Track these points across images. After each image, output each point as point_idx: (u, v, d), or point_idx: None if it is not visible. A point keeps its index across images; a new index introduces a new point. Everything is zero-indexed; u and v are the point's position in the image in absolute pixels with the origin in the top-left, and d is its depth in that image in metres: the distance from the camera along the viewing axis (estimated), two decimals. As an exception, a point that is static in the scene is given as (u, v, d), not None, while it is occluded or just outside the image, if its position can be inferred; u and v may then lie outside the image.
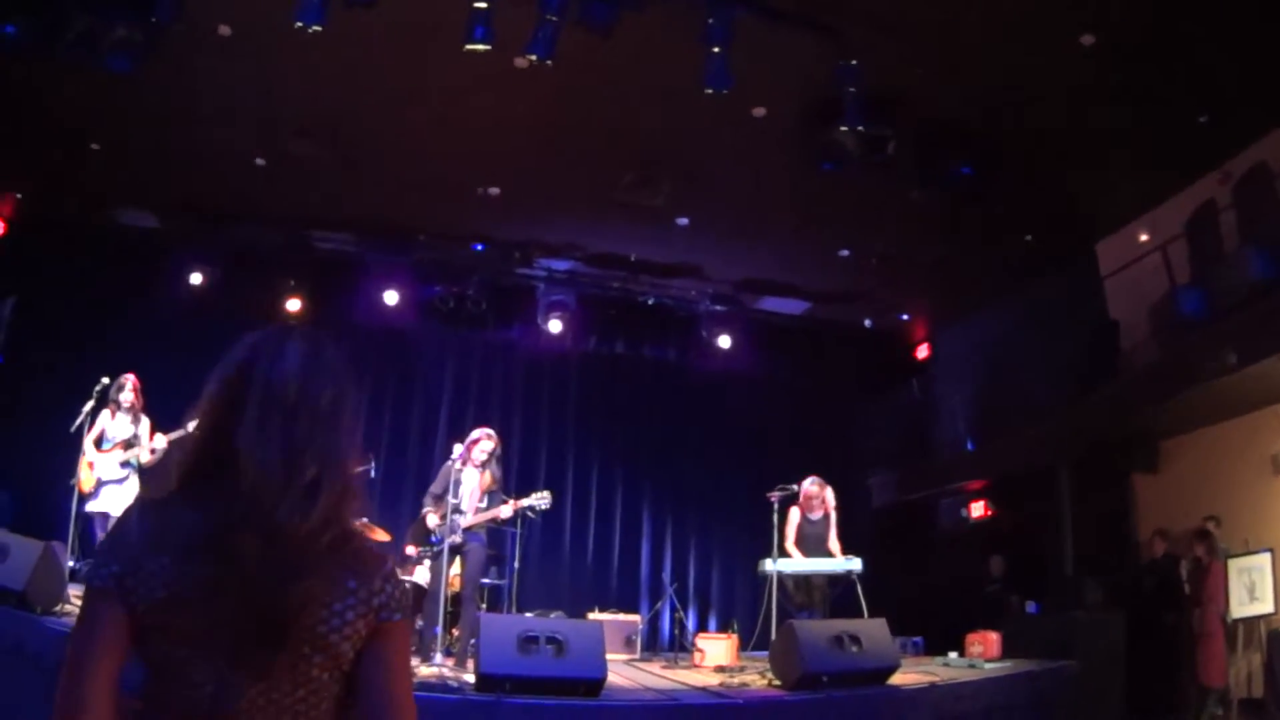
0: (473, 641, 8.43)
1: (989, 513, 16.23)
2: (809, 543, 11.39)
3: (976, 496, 16.47)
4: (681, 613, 14.16)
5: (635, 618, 13.57)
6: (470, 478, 9.78)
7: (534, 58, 9.28)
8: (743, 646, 12.25)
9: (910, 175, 11.52)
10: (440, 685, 7.45)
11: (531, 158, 12.47)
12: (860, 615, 10.31)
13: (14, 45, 9.47)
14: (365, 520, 8.35)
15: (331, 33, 9.00)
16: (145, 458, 10.36)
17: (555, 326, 15.84)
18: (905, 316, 17.83)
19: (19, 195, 13.86)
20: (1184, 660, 11.27)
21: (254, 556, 1.86)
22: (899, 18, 9.49)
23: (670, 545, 17.02)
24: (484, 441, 9.89)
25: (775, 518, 11.25)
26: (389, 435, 15.73)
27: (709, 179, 12.80)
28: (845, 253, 14.92)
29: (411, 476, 15.06)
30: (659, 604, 15.69)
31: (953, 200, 12.09)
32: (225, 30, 10.08)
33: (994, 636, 11.33)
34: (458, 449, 9.99)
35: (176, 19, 9.47)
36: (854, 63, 9.79)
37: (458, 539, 9.48)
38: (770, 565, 11.08)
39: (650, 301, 16.77)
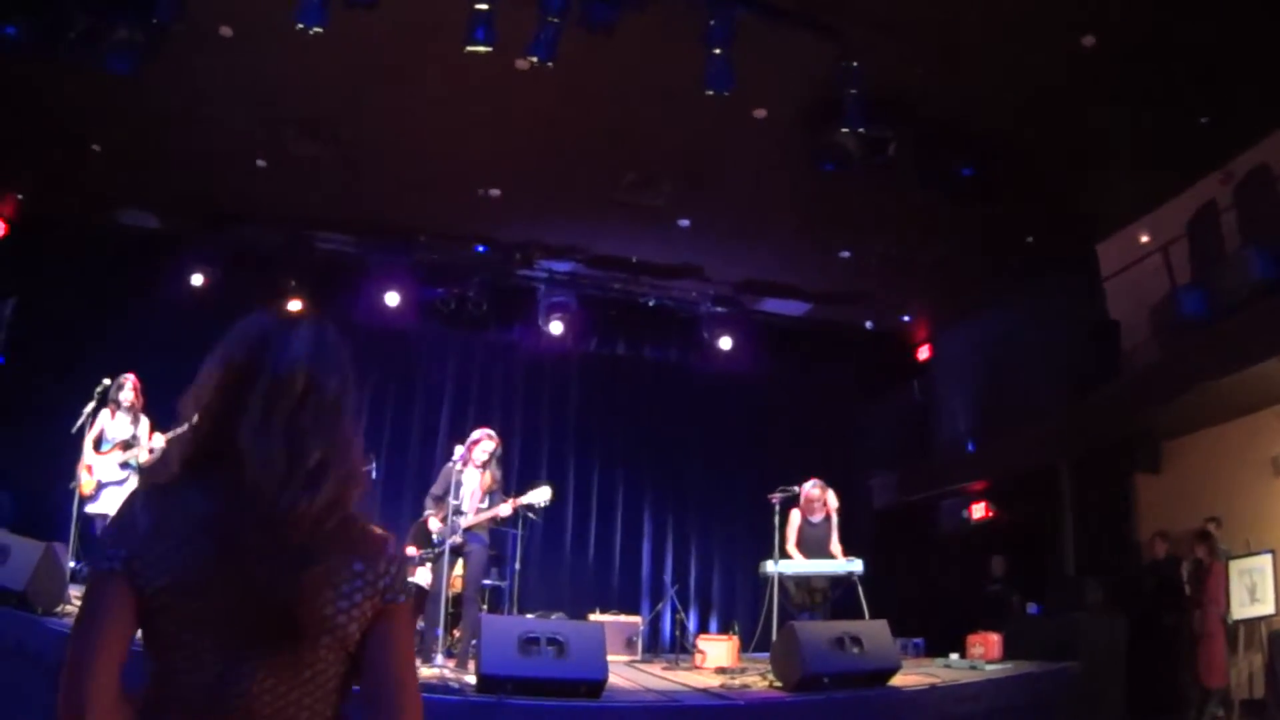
0: (474, 642, 8.44)
1: (990, 514, 16.22)
2: (810, 545, 11.38)
3: (977, 497, 16.46)
4: (682, 614, 14.16)
5: (636, 619, 13.59)
6: (471, 478, 9.78)
7: (535, 59, 9.29)
8: (744, 648, 12.26)
9: (911, 176, 11.51)
10: (441, 686, 7.44)
11: (532, 159, 12.47)
12: (861, 616, 10.29)
13: (15, 46, 9.47)
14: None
15: (332, 34, 9.01)
16: (144, 457, 10.35)
17: (556, 328, 15.83)
18: (906, 318, 17.82)
19: (20, 195, 13.85)
20: (1185, 661, 11.27)
21: (258, 543, 1.88)
22: (900, 18, 9.49)
23: (671, 546, 17.03)
24: (485, 442, 9.89)
25: (776, 519, 11.24)
26: (390, 436, 15.73)
27: (710, 180, 12.80)
28: (846, 254, 14.91)
29: (412, 477, 15.09)
30: (660, 605, 15.69)
31: (954, 201, 12.07)
32: (226, 31, 10.08)
33: (995, 638, 11.33)
34: (459, 450, 9.99)
35: (177, 19, 9.47)
36: (855, 64, 9.79)
37: (458, 539, 9.48)
38: (771, 567, 11.07)
39: (651, 303, 16.76)
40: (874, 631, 8.64)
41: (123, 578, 1.85)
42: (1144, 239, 13.20)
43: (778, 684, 8.56)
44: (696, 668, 11.47)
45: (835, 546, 11.35)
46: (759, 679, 9.10)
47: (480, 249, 15.58)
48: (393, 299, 15.14)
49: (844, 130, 10.34)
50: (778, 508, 11.30)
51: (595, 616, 12.91)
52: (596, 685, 7.39)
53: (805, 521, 11.48)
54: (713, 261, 15.69)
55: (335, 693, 1.99)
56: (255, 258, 14.74)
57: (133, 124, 11.79)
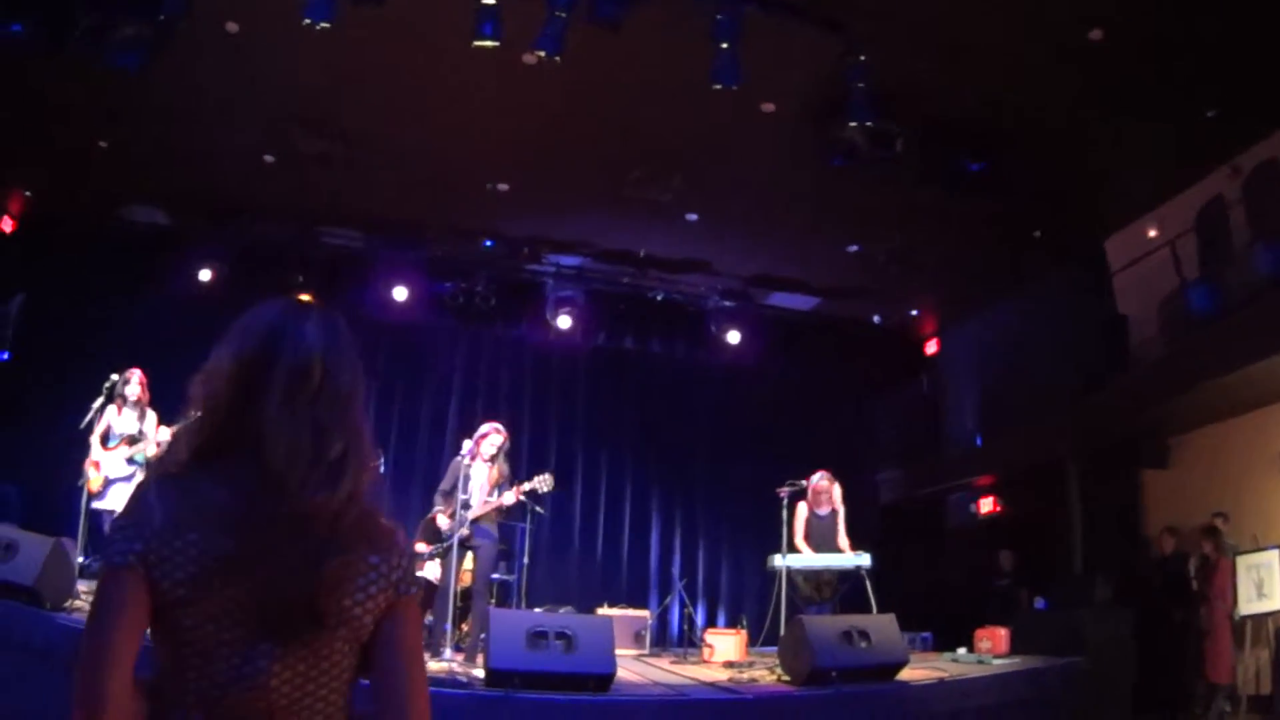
0: (482, 636, 8.46)
1: (998, 508, 16.22)
2: (817, 537, 11.36)
3: (986, 492, 16.46)
4: (690, 608, 14.20)
5: (644, 613, 13.60)
6: (479, 473, 9.78)
7: (542, 54, 9.31)
8: (752, 642, 12.25)
9: (919, 171, 11.50)
10: (450, 680, 7.45)
11: (540, 154, 12.48)
12: (869, 611, 10.31)
13: (22, 43, 9.48)
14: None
15: (340, 29, 9.01)
16: (151, 451, 10.35)
17: (564, 322, 15.85)
18: (914, 312, 17.81)
19: (27, 192, 13.88)
20: (1192, 657, 11.26)
21: (288, 534, 1.88)
22: (907, 12, 9.48)
23: (679, 541, 17.06)
24: (492, 436, 9.89)
25: (784, 513, 11.24)
26: (398, 431, 15.76)
27: (718, 175, 12.80)
28: (854, 248, 14.89)
29: (420, 471, 15.13)
30: (668, 599, 15.67)
31: (961, 196, 12.06)
32: (233, 27, 10.09)
33: (1003, 632, 11.33)
34: (467, 445, 9.99)
35: (184, 16, 9.48)
36: (862, 58, 9.78)
37: (465, 532, 9.49)
38: (779, 561, 11.06)
39: (659, 297, 16.78)
40: (882, 626, 8.63)
41: (138, 572, 1.84)
42: (1152, 233, 13.18)
43: (786, 678, 8.56)
44: (704, 662, 11.49)
45: (843, 540, 11.32)
46: (767, 673, 9.11)
47: (488, 243, 15.60)
48: (401, 294, 15.17)
49: (852, 125, 10.33)
50: (785, 502, 11.29)
51: (603, 611, 12.91)
52: (605, 679, 7.40)
53: (812, 514, 11.46)
54: (720, 256, 15.69)
55: (347, 685, 2.00)
56: (263, 253, 14.79)
57: (140, 120, 11.81)
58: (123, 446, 10.33)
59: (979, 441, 16.40)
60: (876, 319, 17.99)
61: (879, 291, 16.51)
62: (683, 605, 14.48)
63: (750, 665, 10.29)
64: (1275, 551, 10.71)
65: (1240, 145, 11.35)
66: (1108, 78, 10.20)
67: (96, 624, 1.83)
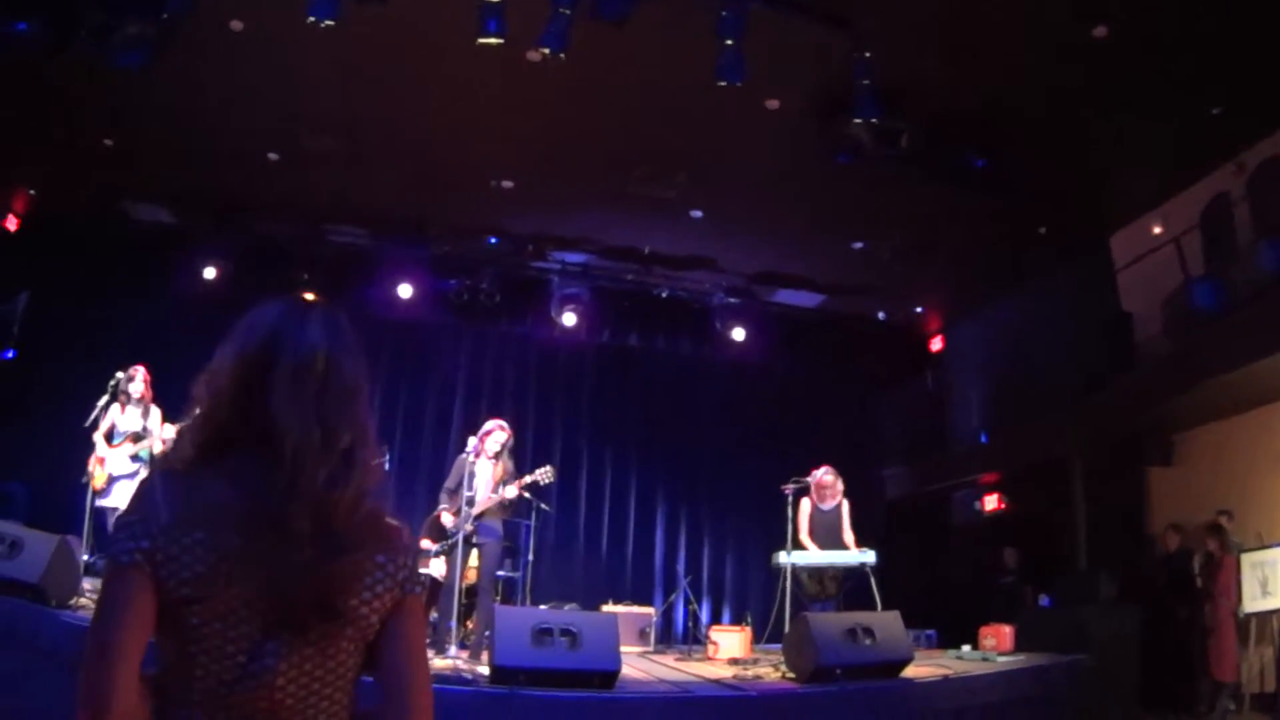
0: (487, 634, 8.47)
1: (1003, 505, 16.20)
2: (822, 532, 11.34)
3: (990, 489, 16.44)
4: (695, 605, 14.19)
5: (649, 610, 13.58)
6: (484, 470, 9.81)
7: (547, 51, 9.30)
8: (756, 639, 12.24)
9: (924, 168, 11.50)
10: (455, 677, 7.46)
11: (545, 151, 12.48)
12: (874, 608, 10.31)
13: (26, 41, 9.48)
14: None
15: (344, 27, 9.02)
16: (157, 448, 10.37)
17: (569, 319, 15.87)
18: (919, 309, 17.80)
19: (32, 191, 13.90)
20: (1196, 655, 11.26)
21: (295, 531, 1.88)
22: (912, 9, 9.47)
23: (684, 538, 17.07)
24: (497, 433, 9.92)
25: (789, 510, 11.24)
26: (403, 428, 15.80)
27: (723, 172, 12.80)
28: (859, 245, 14.88)
29: (425, 469, 15.15)
30: (673, 596, 15.68)
31: (966, 193, 12.05)
32: (237, 25, 10.10)
33: (1007, 629, 11.34)
34: (472, 442, 10.00)
35: (189, 14, 9.48)
36: (867, 55, 9.77)
37: (470, 528, 9.50)
38: (784, 558, 11.06)
39: (664, 294, 16.77)
40: (886, 623, 8.64)
41: (144, 570, 1.82)
42: (1156, 230, 13.16)
43: (790, 675, 8.57)
44: (709, 659, 11.47)
45: (848, 536, 11.31)
46: (772, 670, 9.11)
47: (493, 241, 15.60)
48: (406, 291, 15.20)
49: (857, 121, 10.34)
50: (790, 499, 11.27)
51: (608, 608, 12.90)
52: (610, 676, 7.40)
53: (816, 509, 11.44)
54: (725, 253, 15.69)
55: (352, 683, 2.01)
56: (267, 251, 14.81)
57: (144, 118, 11.82)
58: (127, 443, 10.36)
59: (984, 438, 16.40)
60: (881, 316, 17.98)
61: (884, 288, 16.51)
62: (687, 602, 14.47)
63: (755, 662, 10.29)
64: (1280, 549, 10.72)
65: (1245, 142, 11.33)
66: (1112, 74, 10.18)
67: (102, 622, 1.82)
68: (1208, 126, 11.05)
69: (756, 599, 15.76)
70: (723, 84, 9.47)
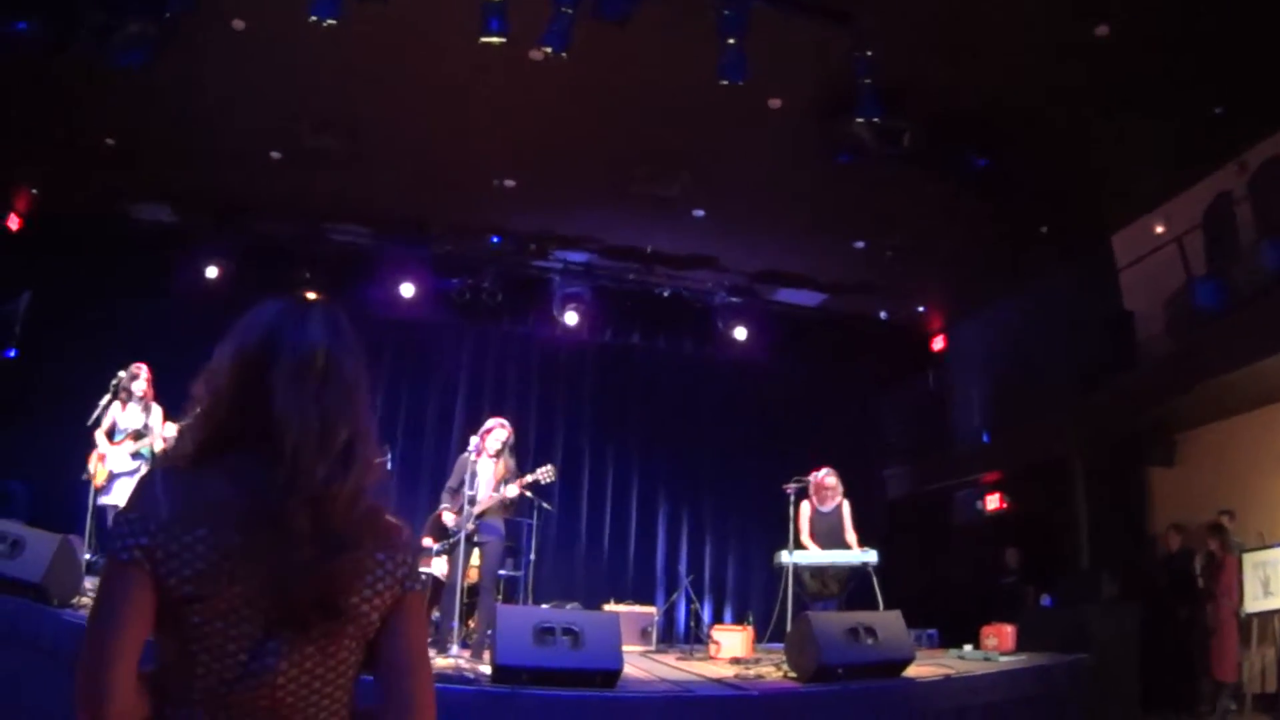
0: (489, 633, 8.46)
1: (1004, 505, 16.20)
2: (823, 533, 11.35)
3: (992, 489, 16.45)
4: (697, 604, 14.18)
5: (651, 609, 13.56)
6: (486, 468, 9.81)
7: (548, 50, 9.30)
8: (758, 638, 12.23)
9: (925, 167, 11.50)
10: (457, 676, 7.45)
11: (547, 150, 12.47)
12: (875, 607, 10.31)
13: (27, 41, 9.48)
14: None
15: (346, 26, 9.01)
16: (159, 446, 10.37)
17: (571, 318, 15.87)
18: (921, 308, 17.80)
19: (34, 190, 13.90)
20: (1198, 655, 11.25)
21: (304, 527, 1.88)
22: (913, 8, 9.47)
23: (686, 537, 17.07)
24: (498, 431, 9.92)
25: (791, 509, 11.24)
26: (405, 427, 15.80)
27: (725, 171, 12.80)
28: (861, 244, 14.88)
29: (427, 468, 15.15)
30: (675, 596, 15.67)
31: (968, 192, 12.05)
32: (239, 24, 10.09)
33: (1009, 629, 11.33)
34: (473, 441, 10.01)
35: (190, 13, 9.48)
36: (869, 54, 9.76)
37: (472, 528, 9.50)
38: (786, 557, 11.06)
39: (666, 293, 16.76)
40: (888, 622, 8.63)
41: (143, 566, 1.81)
42: (1159, 229, 13.16)
43: (792, 675, 8.55)
44: (711, 658, 11.46)
45: (850, 536, 11.31)
46: (773, 669, 9.10)
47: (495, 240, 15.59)
48: (407, 290, 15.20)
49: (859, 120, 10.32)
50: (792, 498, 11.28)
51: (610, 607, 12.87)
52: (611, 675, 7.39)
53: (816, 511, 11.45)
54: (727, 252, 15.69)
55: (353, 681, 2.01)
56: (269, 250, 14.80)
57: (145, 118, 11.81)
58: (128, 441, 10.37)
59: (985, 438, 16.40)
60: (883, 315, 17.98)
61: (885, 287, 16.50)
62: (689, 601, 14.45)
63: (756, 662, 10.28)
64: (1282, 549, 10.71)
65: (1247, 142, 11.33)
66: (1114, 73, 10.18)
67: (100, 619, 1.82)
68: (1210, 126, 11.05)
69: (758, 598, 15.77)
70: (725, 83, 9.47)
